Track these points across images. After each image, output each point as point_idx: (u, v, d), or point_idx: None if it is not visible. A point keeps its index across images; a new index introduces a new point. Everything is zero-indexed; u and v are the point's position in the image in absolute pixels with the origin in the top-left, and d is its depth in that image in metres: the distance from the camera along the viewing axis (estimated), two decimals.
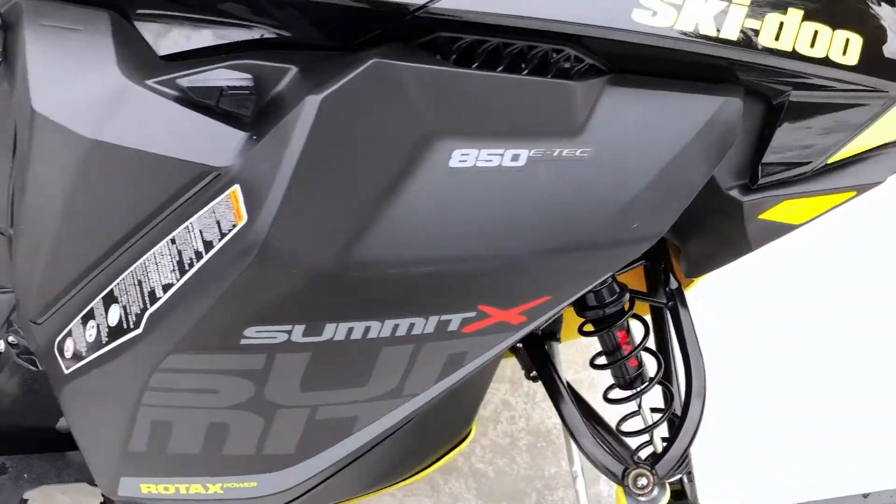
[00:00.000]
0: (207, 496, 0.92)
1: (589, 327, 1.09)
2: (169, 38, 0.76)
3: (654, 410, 1.12)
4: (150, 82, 0.74)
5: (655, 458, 1.07)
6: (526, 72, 0.76)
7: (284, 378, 0.81)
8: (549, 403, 1.16)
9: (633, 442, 1.11)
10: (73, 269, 0.83)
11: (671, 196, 0.84)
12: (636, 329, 1.10)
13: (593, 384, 1.50)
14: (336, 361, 0.82)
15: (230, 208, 0.72)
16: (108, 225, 0.79)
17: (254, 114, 0.74)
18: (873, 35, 0.88)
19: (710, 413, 1.43)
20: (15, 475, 1.15)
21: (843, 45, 0.86)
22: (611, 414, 1.11)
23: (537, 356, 1.13)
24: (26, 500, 1.15)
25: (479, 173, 0.76)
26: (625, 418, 1.13)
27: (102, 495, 1.07)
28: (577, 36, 0.77)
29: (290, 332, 0.77)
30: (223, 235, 0.72)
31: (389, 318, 0.79)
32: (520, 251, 0.80)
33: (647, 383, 1.09)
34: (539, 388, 1.19)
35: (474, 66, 0.74)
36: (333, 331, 0.78)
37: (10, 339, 1.02)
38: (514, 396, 1.56)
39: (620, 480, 1.03)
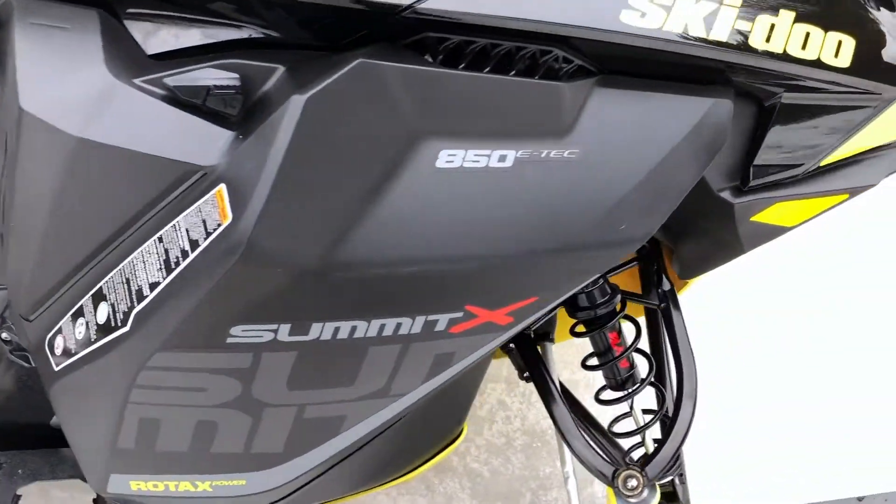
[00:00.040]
0: (196, 494, 0.92)
1: (581, 328, 1.09)
2: (158, 37, 0.77)
3: (646, 412, 1.12)
4: (137, 81, 0.74)
5: (646, 459, 1.07)
6: (513, 73, 0.76)
7: (271, 377, 0.81)
8: None
9: (628, 443, 1.12)
10: (63, 266, 0.83)
11: (660, 198, 0.84)
12: (628, 330, 1.10)
13: (589, 385, 1.50)
14: (323, 361, 0.82)
15: (216, 207, 0.72)
16: (96, 223, 0.79)
17: (241, 113, 0.74)
18: (866, 37, 0.88)
19: (703, 413, 1.43)
20: (9, 471, 1.15)
21: (836, 48, 0.86)
22: (608, 415, 1.11)
23: (529, 356, 1.13)
24: (20, 496, 1.15)
25: (466, 174, 0.76)
26: (617, 419, 1.13)
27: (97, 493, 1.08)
28: (565, 37, 0.77)
29: (276, 332, 0.77)
30: (208, 234, 0.73)
31: (376, 318, 0.80)
32: (507, 252, 0.80)
33: (638, 384, 1.08)
34: (535, 388, 1.19)
35: (461, 66, 0.75)
36: (320, 330, 0.79)
37: (4, 335, 1.02)
38: (509, 396, 1.56)
39: (610, 482, 1.03)
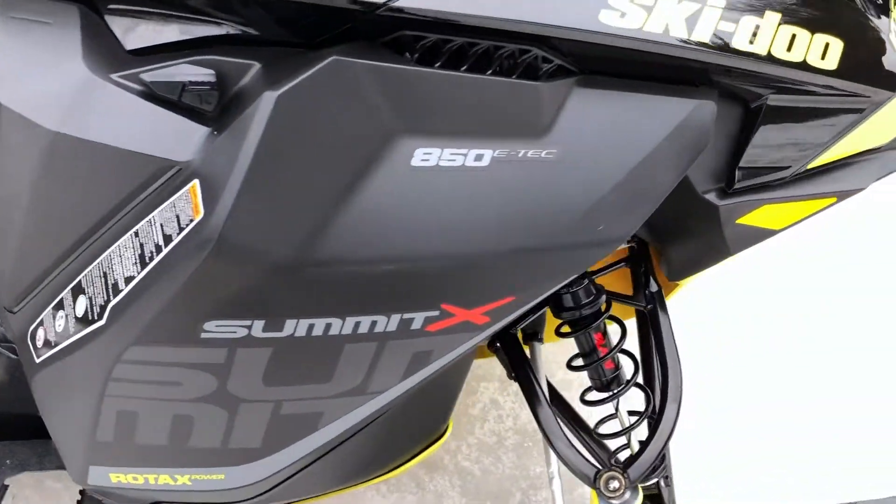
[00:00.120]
0: (176, 487, 0.93)
1: (566, 328, 1.08)
2: (137, 33, 0.77)
3: (631, 413, 1.11)
4: (115, 76, 0.74)
5: (629, 461, 1.06)
6: (490, 72, 0.76)
7: (246, 372, 0.82)
8: None
9: (623, 445, 1.11)
10: (44, 259, 0.84)
11: (639, 199, 0.83)
12: (614, 332, 1.10)
13: (584, 384, 1.49)
14: (298, 357, 0.82)
15: (189, 203, 0.73)
16: (75, 217, 0.80)
17: (217, 109, 0.74)
18: (856, 40, 0.87)
19: (693, 413, 1.42)
20: None
21: (823, 50, 0.85)
22: (600, 416, 1.11)
23: (515, 356, 1.12)
24: (7, 486, 1.16)
25: (442, 172, 0.76)
26: (603, 420, 1.12)
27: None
28: (544, 36, 0.77)
29: (249, 328, 0.78)
30: (181, 229, 0.73)
31: (351, 316, 0.80)
32: (483, 251, 0.80)
33: (623, 386, 1.08)
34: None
35: (437, 65, 0.74)
36: (294, 327, 0.79)
37: None
38: (502, 395, 1.56)
39: (592, 483, 1.03)
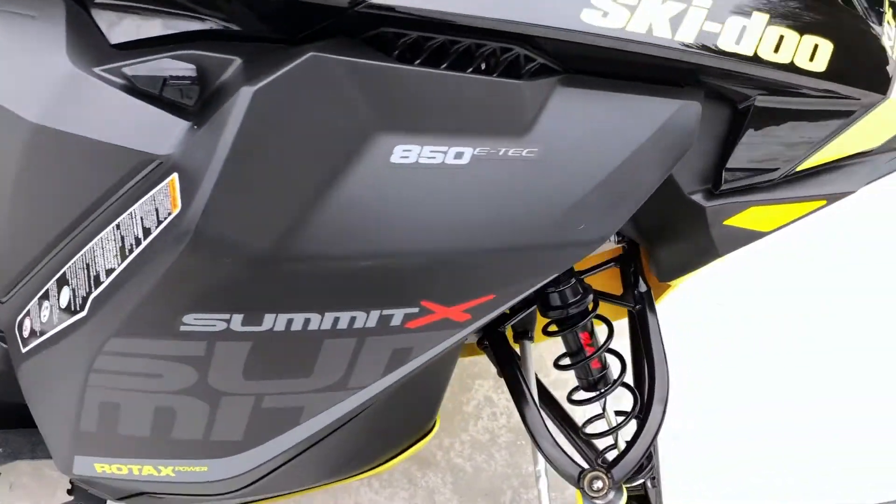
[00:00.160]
0: (160, 478, 0.93)
1: (554, 328, 1.08)
2: (122, 27, 0.78)
3: (619, 413, 1.11)
4: (97, 70, 0.75)
5: (615, 461, 1.06)
6: (471, 70, 0.76)
7: (226, 366, 0.82)
8: None
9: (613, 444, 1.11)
10: (31, 250, 0.85)
11: (621, 200, 0.83)
12: (601, 331, 1.10)
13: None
14: (278, 352, 0.82)
15: (167, 196, 0.73)
16: (60, 208, 0.81)
17: (198, 103, 0.75)
18: (846, 42, 0.86)
19: (681, 413, 1.42)
20: None
21: (811, 52, 0.84)
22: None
23: (502, 354, 1.13)
24: None
25: (422, 170, 0.76)
26: (591, 420, 1.12)
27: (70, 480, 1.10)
28: (527, 35, 0.76)
29: (228, 321, 0.78)
30: (160, 223, 0.74)
31: (330, 311, 0.80)
32: (462, 249, 0.80)
33: (610, 385, 1.08)
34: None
35: (417, 62, 0.74)
36: (273, 321, 0.79)
37: None
38: (496, 393, 1.56)
39: (576, 482, 1.03)
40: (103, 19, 0.78)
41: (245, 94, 0.69)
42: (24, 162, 0.78)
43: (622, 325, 1.14)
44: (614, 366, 1.11)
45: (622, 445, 1.10)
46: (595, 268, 1.12)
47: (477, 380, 1.58)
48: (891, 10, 0.95)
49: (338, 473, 1.08)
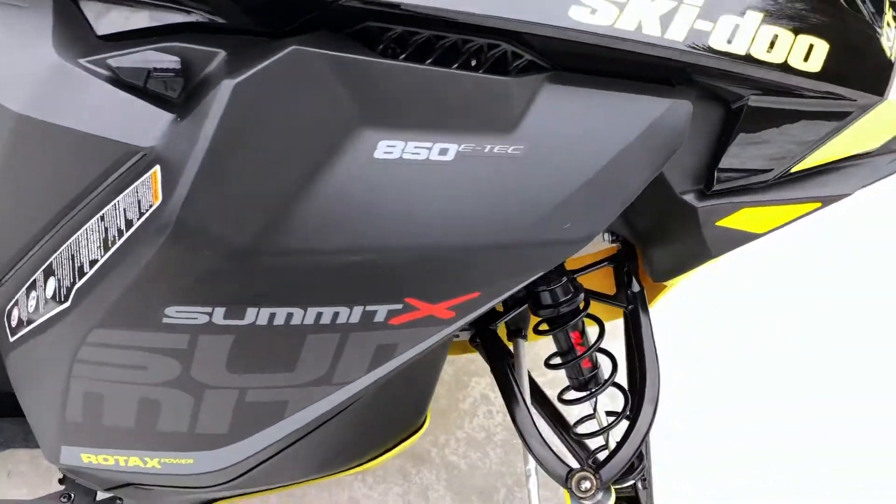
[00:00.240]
0: (146, 470, 0.94)
1: (545, 326, 1.08)
2: (109, 19, 0.78)
3: (609, 414, 1.10)
4: (83, 61, 0.75)
5: (605, 461, 1.06)
6: (456, 66, 0.75)
7: (209, 359, 0.82)
8: None
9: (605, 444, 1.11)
10: (18, 240, 0.85)
11: (607, 199, 0.82)
12: (593, 331, 1.09)
13: None
14: (261, 346, 0.82)
15: (150, 188, 0.73)
16: (47, 199, 0.81)
17: (182, 96, 0.75)
18: (842, 42, 0.85)
19: (669, 414, 1.41)
20: None
21: (806, 52, 0.83)
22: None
23: (493, 352, 1.12)
24: None
25: (405, 166, 0.76)
26: (582, 420, 1.12)
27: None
28: (515, 31, 0.76)
29: (210, 314, 0.78)
30: (142, 214, 0.74)
31: (313, 306, 0.80)
32: (446, 246, 0.79)
33: (600, 385, 1.07)
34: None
35: (402, 57, 0.74)
36: (255, 315, 0.79)
37: None
38: (493, 391, 1.55)
39: (564, 482, 1.02)
40: (91, 10, 0.78)
41: (226, 87, 0.69)
42: (10, 152, 0.78)
43: (619, 326, 1.14)
44: (607, 366, 1.10)
45: (612, 446, 1.09)
46: (588, 267, 1.11)
47: (473, 377, 1.58)
48: (891, 11, 0.94)
49: (326, 468, 1.07)
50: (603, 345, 1.08)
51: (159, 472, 0.94)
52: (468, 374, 1.58)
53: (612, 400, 1.14)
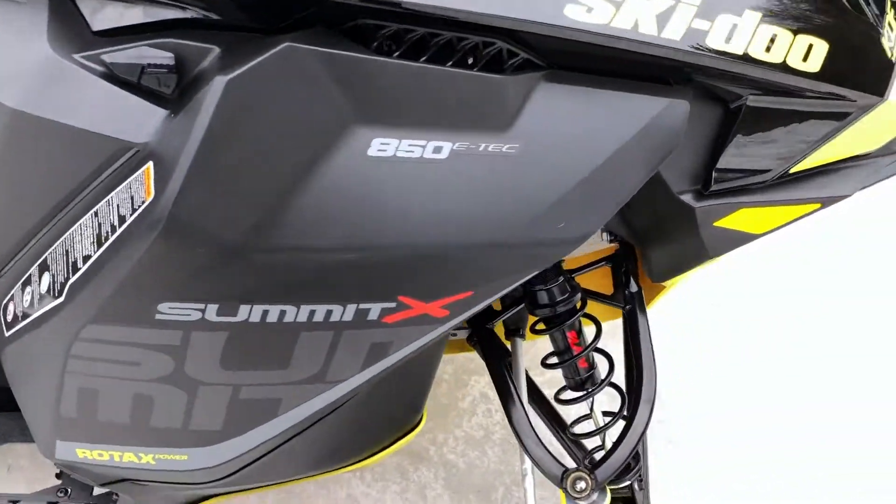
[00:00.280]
0: (140, 465, 0.94)
1: (542, 326, 1.07)
2: (104, 14, 0.78)
3: (606, 414, 1.10)
4: (77, 57, 0.75)
5: (601, 461, 1.05)
6: (451, 63, 0.75)
7: (203, 356, 0.82)
8: None
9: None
10: (13, 235, 0.85)
11: (602, 198, 0.82)
12: (590, 331, 1.09)
13: None
14: (254, 343, 0.82)
15: (143, 184, 0.73)
16: (42, 194, 0.81)
17: (176, 92, 0.75)
18: (842, 42, 0.84)
19: (668, 417, 1.41)
20: None
21: (805, 52, 0.82)
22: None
23: (490, 351, 1.12)
24: None
25: (399, 164, 0.75)
26: (579, 420, 1.11)
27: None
28: (510, 29, 0.75)
29: (203, 311, 0.78)
30: (134, 210, 0.74)
31: (305, 304, 0.80)
32: (439, 244, 0.79)
33: (597, 385, 1.07)
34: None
35: (396, 54, 0.74)
36: (248, 312, 0.79)
37: None
38: (492, 390, 1.53)
39: (559, 482, 1.02)
40: (87, 6, 0.78)
41: (218, 83, 0.69)
42: (4, 148, 0.78)
43: (618, 326, 1.13)
44: (603, 366, 1.10)
45: (609, 446, 1.09)
46: (586, 266, 1.10)
47: (473, 376, 1.57)
48: (892, 12, 0.94)
49: (322, 465, 1.07)
50: (601, 345, 1.08)
51: (154, 468, 0.94)
52: (467, 373, 1.58)
53: (611, 399, 1.14)
